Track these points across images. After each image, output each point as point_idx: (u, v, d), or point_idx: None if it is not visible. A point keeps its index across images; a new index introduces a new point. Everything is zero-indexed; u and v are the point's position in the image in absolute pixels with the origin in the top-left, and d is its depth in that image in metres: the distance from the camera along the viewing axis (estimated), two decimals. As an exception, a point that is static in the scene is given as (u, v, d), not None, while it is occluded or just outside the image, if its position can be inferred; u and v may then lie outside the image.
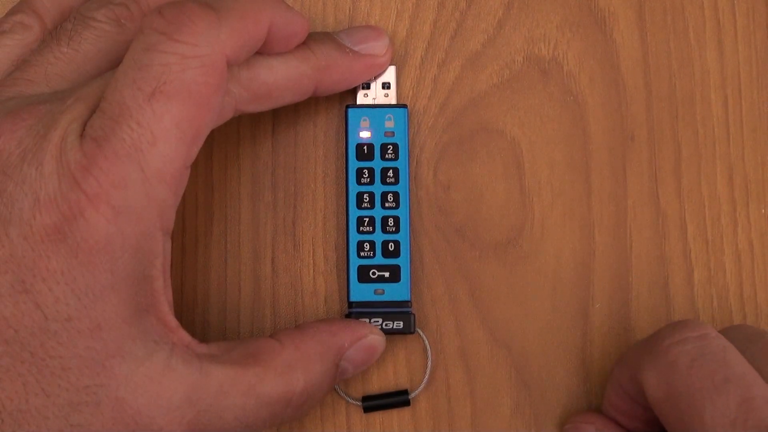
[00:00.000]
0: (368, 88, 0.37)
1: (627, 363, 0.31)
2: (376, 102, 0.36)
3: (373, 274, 0.35)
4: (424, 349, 0.37)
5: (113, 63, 0.32)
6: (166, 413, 0.28)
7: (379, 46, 0.35)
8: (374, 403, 0.36)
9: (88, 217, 0.26)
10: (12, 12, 0.33)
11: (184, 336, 0.29)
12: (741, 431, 0.26)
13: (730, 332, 0.30)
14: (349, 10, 0.38)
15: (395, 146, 0.36)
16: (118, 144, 0.27)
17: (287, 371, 0.30)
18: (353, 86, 0.36)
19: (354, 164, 0.36)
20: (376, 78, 0.36)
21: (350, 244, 0.36)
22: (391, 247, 0.35)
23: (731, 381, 0.27)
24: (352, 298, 0.35)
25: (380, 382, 0.37)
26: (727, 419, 0.26)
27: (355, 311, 0.35)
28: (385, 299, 0.35)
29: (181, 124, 0.28)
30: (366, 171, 0.36)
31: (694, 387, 0.27)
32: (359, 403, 0.36)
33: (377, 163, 0.36)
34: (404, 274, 0.35)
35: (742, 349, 0.29)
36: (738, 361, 0.28)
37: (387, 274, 0.35)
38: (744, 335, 0.30)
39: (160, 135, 0.27)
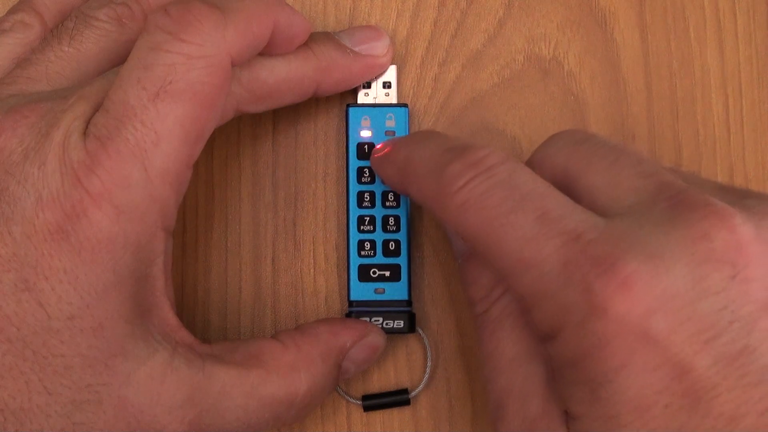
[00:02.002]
0: (369, 87, 0.37)
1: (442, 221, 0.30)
2: (377, 101, 0.36)
3: (374, 273, 0.35)
4: (424, 349, 0.37)
5: (114, 62, 0.32)
6: (168, 412, 0.28)
7: (379, 47, 0.35)
8: (374, 402, 0.36)
9: (91, 216, 0.26)
10: (13, 11, 0.33)
11: (186, 335, 0.30)
12: (543, 245, 0.25)
13: (558, 137, 0.30)
14: (350, 10, 0.38)
15: (396, 146, 0.36)
16: (121, 143, 0.27)
17: (290, 373, 0.30)
18: (354, 86, 0.36)
19: (355, 163, 0.36)
20: (376, 78, 0.36)
21: (351, 244, 0.36)
22: (392, 246, 0.35)
23: (522, 200, 0.26)
24: (353, 297, 0.35)
25: (380, 382, 0.37)
26: (527, 237, 0.26)
27: (356, 310, 0.35)
28: (386, 298, 0.35)
29: (185, 124, 0.28)
30: (367, 170, 0.36)
31: (488, 219, 0.27)
32: (359, 403, 0.36)
33: (378, 163, 0.36)
34: (404, 273, 0.35)
35: (571, 151, 0.29)
36: (526, 180, 0.27)
37: (387, 274, 0.35)
38: (572, 139, 0.29)
39: (164, 135, 0.27)
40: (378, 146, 0.33)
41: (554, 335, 0.26)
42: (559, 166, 0.29)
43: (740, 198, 0.26)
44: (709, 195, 0.26)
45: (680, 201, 0.25)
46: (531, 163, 0.30)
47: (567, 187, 0.28)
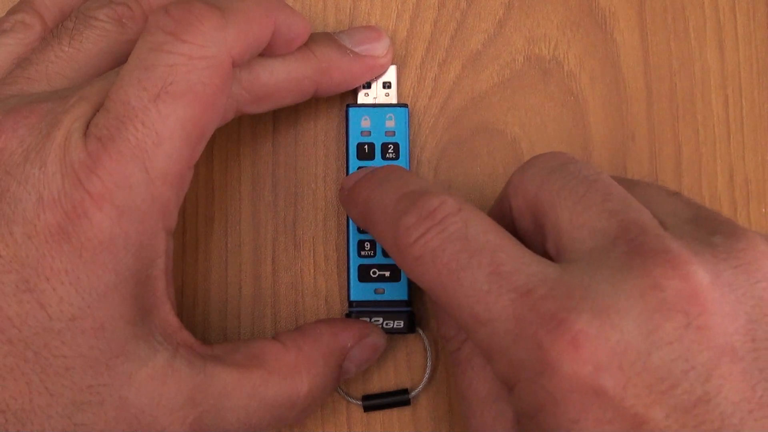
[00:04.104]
0: (369, 87, 0.37)
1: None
2: (377, 101, 0.36)
3: (374, 273, 0.35)
4: (424, 349, 0.37)
5: (114, 62, 0.32)
6: (169, 413, 0.28)
7: (379, 47, 0.35)
8: (374, 402, 0.36)
9: (92, 217, 0.26)
10: (13, 11, 0.33)
11: (187, 336, 0.30)
12: (495, 302, 0.25)
13: (534, 162, 0.30)
14: (350, 10, 0.38)
15: (396, 146, 0.36)
16: (122, 144, 0.27)
17: (291, 374, 0.30)
18: (354, 87, 0.36)
19: (355, 163, 0.36)
20: (376, 78, 0.36)
21: (351, 244, 0.36)
22: (392, 246, 0.35)
23: (475, 255, 0.26)
24: (353, 298, 0.35)
25: (380, 382, 0.37)
26: (480, 294, 0.25)
27: (356, 310, 0.35)
28: (386, 298, 0.35)
29: (186, 125, 0.28)
30: (366, 170, 0.36)
31: (442, 275, 0.26)
32: (359, 403, 0.36)
33: (378, 163, 0.36)
34: (404, 273, 0.35)
35: (543, 181, 0.28)
36: (479, 231, 0.27)
37: (387, 274, 0.35)
38: (547, 167, 0.29)
39: (165, 136, 0.27)
40: (346, 179, 0.33)
41: (511, 387, 0.26)
42: (531, 195, 0.29)
43: (709, 233, 0.26)
44: (678, 230, 0.26)
45: (637, 246, 0.25)
46: (508, 188, 0.30)
47: (537, 219, 0.28)
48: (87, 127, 0.27)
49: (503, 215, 0.30)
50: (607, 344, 0.24)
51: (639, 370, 0.23)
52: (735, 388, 0.24)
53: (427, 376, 0.36)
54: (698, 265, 0.24)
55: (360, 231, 0.35)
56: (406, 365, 0.37)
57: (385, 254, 0.35)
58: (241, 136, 0.38)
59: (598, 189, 0.27)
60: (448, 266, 0.26)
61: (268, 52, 0.32)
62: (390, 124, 0.36)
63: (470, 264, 0.26)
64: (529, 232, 0.29)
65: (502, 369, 0.26)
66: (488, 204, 0.37)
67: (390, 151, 0.36)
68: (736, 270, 0.25)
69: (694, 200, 0.29)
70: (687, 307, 0.24)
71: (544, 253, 0.27)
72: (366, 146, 0.36)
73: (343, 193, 0.33)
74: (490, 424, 0.29)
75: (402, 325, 0.35)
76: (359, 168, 0.35)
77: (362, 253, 0.35)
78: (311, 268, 0.37)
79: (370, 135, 0.36)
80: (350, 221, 0.35)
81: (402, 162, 0.36)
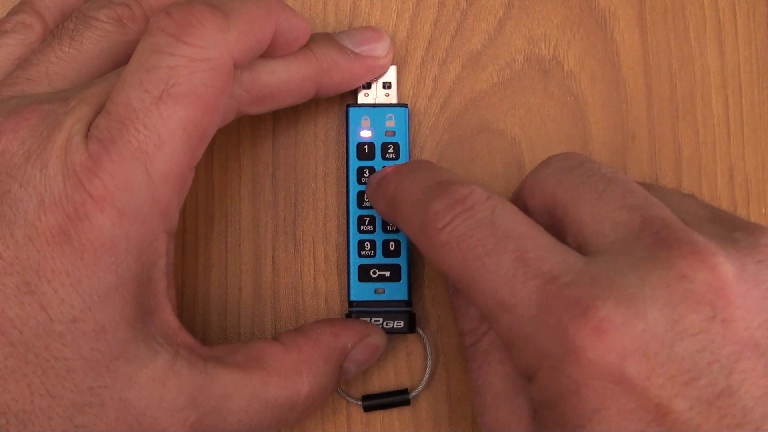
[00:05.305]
0: (369, 87, 0.36)
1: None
2: (377, 101, 0.36)
3: (374, 273, 0.35)
4: (424, 349, 0.37)
5: (115, 63, 0.32)
6: (170, 415, 0.28)
7: (380, 48, 0.35)
8: (374, 402, 0.36)
9: (93, 219, 0.26)
10: (13, 11, 0.33)
11: (188, 338, 0.30)
12: (520, 288, 0.25)
13: (550, 162, 0.30)
14: (350, 10, 0.38)
15: (396, 146, 0.36)
16: (124, 146, 0.27)
17: (292, 375, 0.30)
18: (354, 87, 0.36)
19: (355, 163, 0.36)
20: (377, 78, 0.36)
21: (351, 244, 0.36)
22: (392, 246, 0.35)
23: (501, 241, 0.26)
24: (353, 298, 0.35)
25: (380, 382, 0.37)
26: (504, 279, 0.26)
27: (356, 310, 0.35)
28: (386, 298, 0.35)
29: (188, 127, 0.28)
30: (367, 170, 0.36)
31: (467, 260, 0.26)
32: (359, 403, 0.36)
33: (378, 163, 0.36)
34: (404, 273, 0.35)
35: (561, 179, 0.29)
36: (507, 219, 0.27)
37: (387, 274, 0.35)
38: (564, 165, 0.29)
39: (166, 138, 0.27)
40: (373, 175, 0.33)
41: (531, 376, 0.26)
42: (549, 194, 0.29)
43: (730, 231, 0.26)
44: (698, 227, 0.26)
45: (662, 238, 0.25)
46: (524, 189, 0.30)
47: (556, 216, 0.28)
48: (88, 128, 0.27)
49: None
50: (632, 332, 0.24)
51: (663, 360, 0.23)
52: (757, 383, 0.24)
53: (427, 376, 0.36)
54: (724, 257, 0.25)
55: (360, 231, 0.35)
56: (406, 365, 0.37)
57: (385, 254, 0.35)
58: (241, 136, 0.38)
59: (618, 185, 0.28)
60: (474, 251, 0.26)
61: (268, 53, 0.32)
62: (390, 124, 0.36)
63: (496, 250, 0.26)
64: (547, 230, 0.29)
65: (524, 357, 0.26)
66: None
67: (390, 151, 0.36)
68: (759, 265, 0.25)
69: (709, 202, 0.29)
70: (713, 299, 0.24)
71: None
72: (366, 146, 0.36)
73: (370, 187, 0.33)
74: (504, 420, 0.29)
75: (402, 325, 0.35)
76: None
77: (362, 253, 0.35)
78: (311, 268, 0.37)
79: (370, 135, 0.36)
80: (350, 221, 0.35)
81: (402, 162, 0.36)
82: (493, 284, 0.26)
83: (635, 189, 0.27)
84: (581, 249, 0.27)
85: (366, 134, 0.36)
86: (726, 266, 0.24)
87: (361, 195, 0.36)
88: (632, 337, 0.24)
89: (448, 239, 0.27)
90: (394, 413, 0.36)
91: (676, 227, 0.25)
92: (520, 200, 0.30)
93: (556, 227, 0.28)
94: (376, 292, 0.35)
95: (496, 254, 0.26)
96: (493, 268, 0.26)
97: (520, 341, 0.26)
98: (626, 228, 0.26)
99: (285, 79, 0.32)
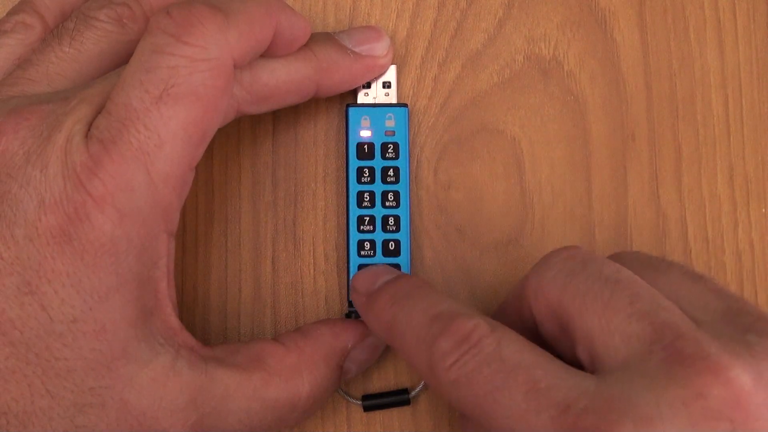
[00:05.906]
0: (369, 87, 0.36)
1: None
2: (377, 101, 0.36)
3: (374, 273, 0.35)
4: (425, 349, 0.37)
5: (115, 63, 0.32)
6: (171, 415, 0.28)
7: (380, 47, 0.35)
8: (374, 402, 0.36)
9: (94, 219, 0.26)
10: (13, 11, 0.33)
11: (189, 338, 0.30)
12: (534, 420, 0.25)
13: (551, 264, 0.29)
14: (350, 10, 0.38)
15: (396, 145, 0.36)
16: (124, 147, 0.27)
17: (292, 376, 0.30)
18: (354, 87, 0.36)
19: (354, 163, 0.36)
20: (377, 78, 0.36)
21: (350, 243, 0.36)
22: (392, 246, 0.35)
23: (511, 375, 0.26)
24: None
25: (380, 381, 0.37)
26: (518, 413, 0.25)
27: (356, 311, 0.35)
28: (386, 298, 0.35)
29: (188, 127, 0.28)
30: (366, 170, 0.36)
31: (479, 396, 0.26)
32: (359, 403, 0.36)
33: (378, 162, 0.36)
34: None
35: (564, 285, 0.28)
36: (514, 350, 0.26)
37: (387, 274, 0.35)
38: (566, 269, 0.29)
39: (167, 138, 0.27)
40: (357, 280, 0.33)
41: None
42: (553, 299, 0.28)
43: (743, 332, 0.26)
44: (711, 329, 0.26)
45: (675, 353, 0.25)
46: (527, 291, 0.30)
47: (563, 324, 0.28)
48: (88, 129, 0.27)
49: (523, 319, 0.30)
50: None
51: None
52: None
53: (427, 376, 0.36)
54: (740, 369, 0.24)
55: (360, 231, 0.35)
56: (406, 365, 0.37)
57: (385, 254, 0.35)
58: (241, 136, 0.38)
59: (623, 290, 0.27)
60: (485, 388, 0.26)
61: (269, 52, 0.32)
62: (390, 123, 0.36)
63: (507, 384, 0.26)
64: (555, 337, 0.29)
65: None
66: (488, 206, 0.37)
67: (390, 150, 0.36)
68: None
69: (719, 285, 0.29)
70: (731, 413, 0.24)
71: (575, 358, 0.27)
72: (366, 146, 0.36)
73: (358, 299, 0.32)
74: None
75: (402, 325, 0.35)
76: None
77: (362, 253, 0.35)
78: (311, 268, 0.37)
79: (370, 135, 0.36)
80: (350, 221, 0.35)
81: (402, 162, 0.36)
82: (508, 420, 0.25)
83: (641, 291, 0.27)
84: (593, 363, 0.27)
85: (366, 134, 0.36)
86: (742, 378, 0.24)
87: (361, 195, 0.35)
88: None
89: (457, 377, 0.27)
90: (394, 413, 0.36)
91: (689, 336, 0.25)
92: (524, 302, 0.30)
93: (564, 335, 0.28)
94: (376, 292, 0.35)
95: (507, 388, 0.26)
96: (506, 403, 0.26)
97: None
98: (638, 340, 0.26)
99: (285, 78, 0.32)
